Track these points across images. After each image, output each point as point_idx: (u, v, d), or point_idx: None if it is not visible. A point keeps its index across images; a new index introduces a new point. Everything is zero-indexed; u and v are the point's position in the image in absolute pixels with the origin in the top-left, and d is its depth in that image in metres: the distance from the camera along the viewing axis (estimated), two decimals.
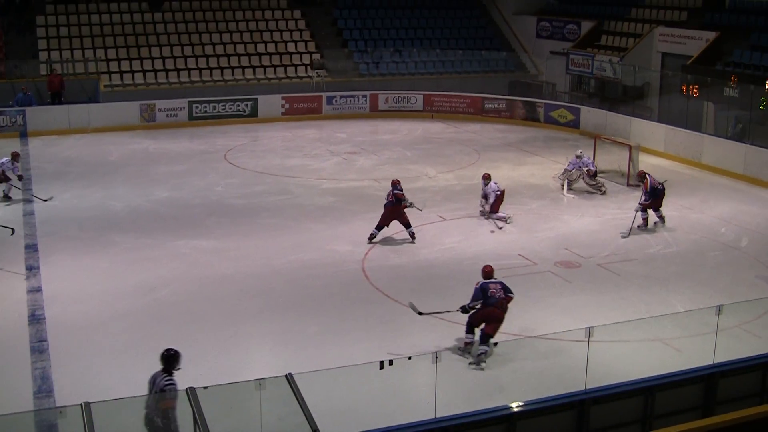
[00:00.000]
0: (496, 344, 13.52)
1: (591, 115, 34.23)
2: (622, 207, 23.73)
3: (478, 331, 14.38)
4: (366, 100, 37.64)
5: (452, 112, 37.80)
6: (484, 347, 14.08)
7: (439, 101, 38.01)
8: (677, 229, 21.69)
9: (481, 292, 14.34)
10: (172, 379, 10.40)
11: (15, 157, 23.75)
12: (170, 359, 10.63)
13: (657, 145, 30.35)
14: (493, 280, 14.59)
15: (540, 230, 21.43)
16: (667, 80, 34.05)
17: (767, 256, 19.81)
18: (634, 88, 35.66)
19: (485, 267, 14.76)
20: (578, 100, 36.97)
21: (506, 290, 14.56)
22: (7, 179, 23.40)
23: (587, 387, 12.03)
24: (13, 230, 20.55)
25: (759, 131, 28.97)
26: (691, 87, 30.78)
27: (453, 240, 20.49)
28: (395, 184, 20.54)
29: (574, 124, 34.60)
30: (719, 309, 12.84)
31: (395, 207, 20.25)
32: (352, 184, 25.68)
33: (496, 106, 37.44)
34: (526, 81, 40.57)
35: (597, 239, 20.79)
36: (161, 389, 10.33)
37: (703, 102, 31.26)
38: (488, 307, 14.28)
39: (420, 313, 15.07)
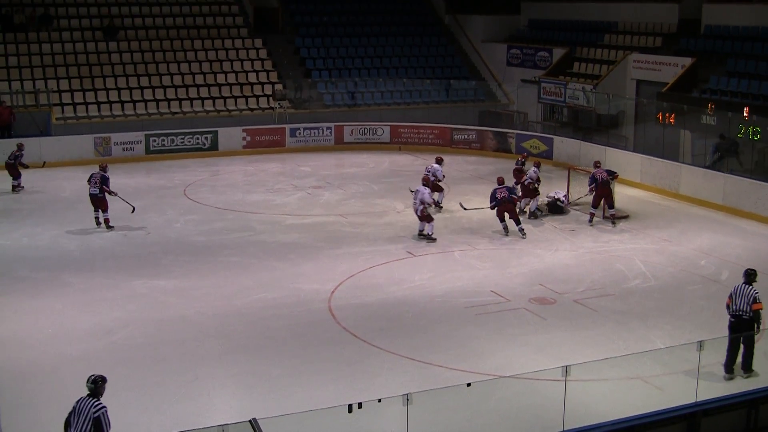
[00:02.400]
0: (469, 384, 13.52)
1: (564, 146, 34.50)
2: (598, 240, 23.89)
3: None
4: (331, 132, 37.74)
5: (420, 143, 37.97)
6: (520, 226, 23.96)
7: (407, 132, 38.18)
8: (656, 263, 21.85)
9: (491, 195, 24.15)
10: None
11: (438, 161, 27.79)
12: None
13: (633, 175, 30.61)
14: (499, 186, 24.23)
15: (513, 266, 21.50)
16: (643, 108, 34.39)
17: None
18: (608, 116, 35.99)
19: (498, 177, 25.01)
20: (551, 130, 37.25)
21: (511, 192, 24.13)
22: (439, 188, 27.21)
23: (565, 428, 12.01)
24: (134, 208, 25.10)
25: (738, 160, 29.30)
26: (667, 115, 31.11)
27: (423, 277, 20.50)
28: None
29: (547, 155, 34.85)
30: (701, 345, 12.90)
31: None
32: (318, 220, 25.67)
33: (466, 137, 37.66)
34: (496, 111, 40.88)
35: (572, 274, 20.89)
36: None
37: (679, 130, 31.61)
38: (501, 204, 23.89)
39: (465, 209, 25.50)
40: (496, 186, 24.56)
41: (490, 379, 14.82)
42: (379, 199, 28.59)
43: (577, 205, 27.12)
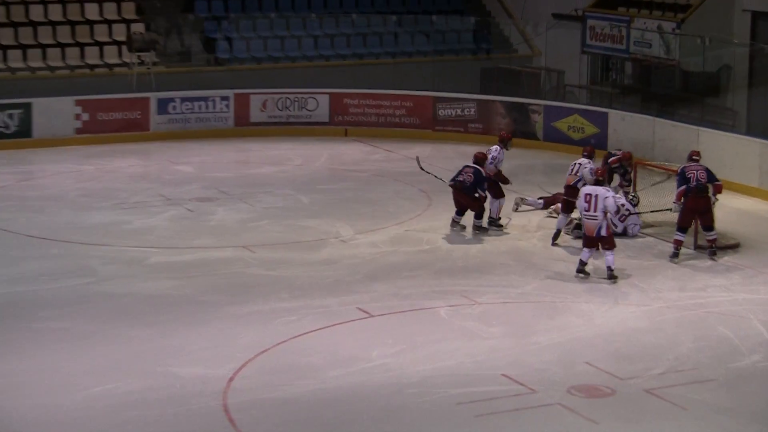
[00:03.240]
0: None
1: (627, 126, 34.64)
2: (687, 287, 24.03)
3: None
4: (228, 106, 37.77)
5: (381, 124, 38.13)
6: (479, 222, 27.51)
7: (358, 106, 38.30)
8: None
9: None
10: None
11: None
12: None
13: (747, 175, 30.70)
14: (468, 164, 27.55)
15: (540, 331, 21.58)
16: (763, 61, 34.53)
17: None
18: (702, 76, 36.20)
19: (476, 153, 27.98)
20: (604, 100, 37.41)
21: (477, 181, 27.03)
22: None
23: None
24: None
25: None
26: None
27: (387, 352, 20.47)
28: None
29: (599, 142, 34.94)
30: None
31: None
32: (206, 256, 25.81)
33: (460, 112, 37.75)
34: (510, 68, 40.97)
35: (643, 345, 20.95)
36: None
37: None
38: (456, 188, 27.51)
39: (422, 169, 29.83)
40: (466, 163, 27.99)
41: None
42: (312, 219, 28.77)
43: (650, 226, 27.19)
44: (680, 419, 17.93)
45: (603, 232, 23.88)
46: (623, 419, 17.93)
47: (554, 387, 18.97)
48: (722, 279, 24.52)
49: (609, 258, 23.98)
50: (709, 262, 25.40)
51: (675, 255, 25.50)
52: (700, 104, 34.89)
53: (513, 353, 20.43)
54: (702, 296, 23.47)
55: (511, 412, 18.08)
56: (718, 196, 26.10)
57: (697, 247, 25.92)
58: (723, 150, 31.25)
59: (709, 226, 25.70)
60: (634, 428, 17.67)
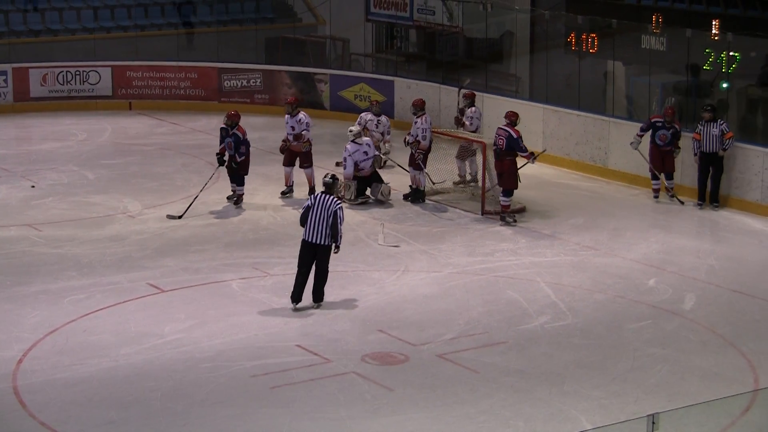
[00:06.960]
0: None
1: (413, 93, 34.72)
2: (475, 251, 24.37)
3: None
4: (6, 81, 37.30)
5: (166, 97, 37.91)
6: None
7: (141, 79, 38.10)
8: (574, 286, 22.36)
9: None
10: None
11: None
12: None
13: (531, 140, 30.81)
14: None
15: (333, 301, 21.62)
16: (543, 26, 34.89)
17: (729, 325, 20.53)
18: (485, 42, 36.46)
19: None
20: (390, 68, 37.55)
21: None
22: None
23: None
24: None
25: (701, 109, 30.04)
26: (584, 37, 31.52)
27: (178, 327, 20.42)
28: None
29: (386, 110, 35.09)
30: (653, 421, 13.18)
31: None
32: None
33: (245, 83, 37.69)
34: (295, 37, 40.93)
35: (434, 311, 21.16)
36: None
37: (606, 62, 32.14)
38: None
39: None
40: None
41: None
42: (98, 195, 28.55)
43: (437, 193, 27.56)
44: (472, 382, 18.16)
45: None
46: (417, 385, 18.08)
47: (348, 356, 19.11)
48: (509, 243, 24.86)
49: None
50: (497, 227, 25.74)
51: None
52: (484, 71, 35.16)
53: (306, 324, 20.51)
54: (490, 261, 23.78)
55: (307, 382, 18.13)
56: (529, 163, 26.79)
57: (485, 213, 26.28)
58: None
59: (505, 190, 26.16)
60: (427, 393, 17.79)
